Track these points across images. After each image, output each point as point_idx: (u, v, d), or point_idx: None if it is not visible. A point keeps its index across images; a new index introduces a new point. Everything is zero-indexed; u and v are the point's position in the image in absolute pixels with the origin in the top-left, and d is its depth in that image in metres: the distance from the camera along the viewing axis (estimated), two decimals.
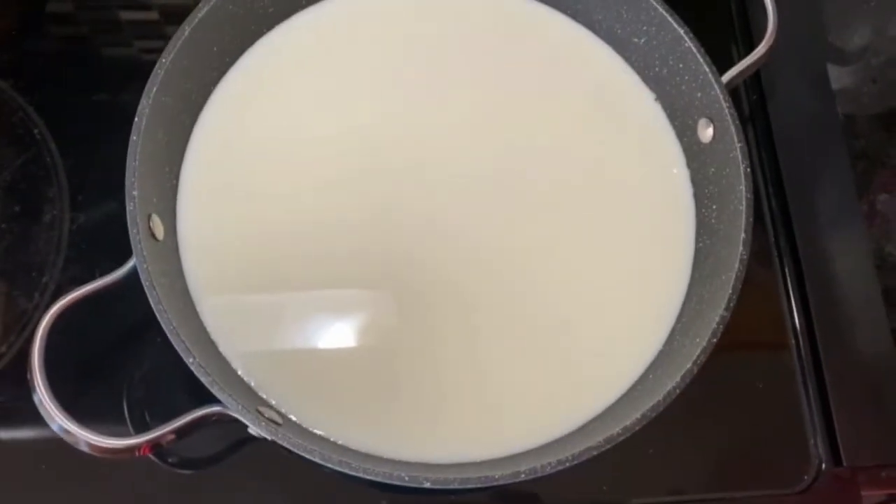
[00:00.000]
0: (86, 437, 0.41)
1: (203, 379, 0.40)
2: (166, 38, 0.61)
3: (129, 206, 0.43)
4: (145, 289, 0.42)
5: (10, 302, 0.51)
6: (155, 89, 0.46)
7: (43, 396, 0.41)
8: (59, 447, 0.47)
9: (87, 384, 0.51)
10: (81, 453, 0.43)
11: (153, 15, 0.63)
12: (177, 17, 0.61)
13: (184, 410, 0.42)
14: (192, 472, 0.50)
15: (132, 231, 0.43)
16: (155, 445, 0.42)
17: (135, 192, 0.43)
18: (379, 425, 0.47)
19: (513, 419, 0.48)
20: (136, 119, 0.45)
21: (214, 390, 0.40)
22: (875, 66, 0.63)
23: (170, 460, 0.50)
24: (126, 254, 0.44)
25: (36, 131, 0.55)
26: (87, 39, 0.63)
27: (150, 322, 0.51)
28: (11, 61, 0.58)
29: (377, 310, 0.49)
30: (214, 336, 0.47)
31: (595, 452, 0.41)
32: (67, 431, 0.41)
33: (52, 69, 0.59)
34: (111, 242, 0.52)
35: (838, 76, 0.63)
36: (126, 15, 0.63)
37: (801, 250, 0.56)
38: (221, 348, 0.46)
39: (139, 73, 0.56)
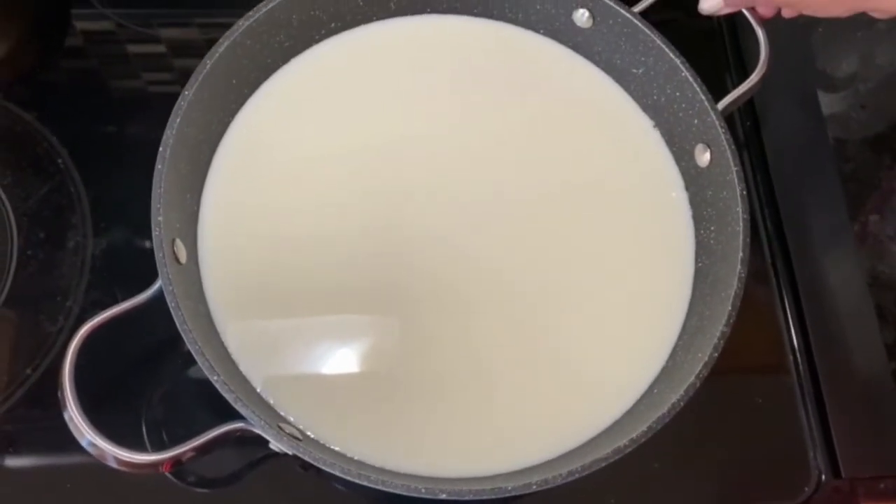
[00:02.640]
0: (113, 452, 0.42)
1: (227, 396, 0.42)
2: (172, 70, 0.64)
3: (155, 232, 0.45)
4: (171, 310, 0.43)
5: (36, 325, 0.52)
6: (178, 120, 0.47)
7: (73, 413, 0.42)
8: (83, 466, 0.49)
9: (106, 404, 0.51)
10: (103, 473, 0.45)
11: (160, 48, 0.65)
12: (183, 50, 0.64)
13: (200, 429, 0.43)
14: (208, 491, 0.51)
15: (158, 255, 0.44)
16: (177, 462, 0.43)
17: (160, 218, 0.45)
18: (394, 442, 0.48)
19: (523, 435, 0.48)
20: (160, 149, 0.46)
21: (238, 406, 0.42)
22: (863, 92, 0.65)
23: (189, 480, 0.51)
24: (145, 278, 0.45)
25: (59, 161, 0.57)
26: (100, 73, 0.64)
27: (169, 344, 0.53)
28: (35, 95, 0.60)
29: (388, 330, 0.51)
30: (235, 356, 0.48)
31: (604, 464, 0.42)
32: (95, 446, 0.42)
33: (71, 102, 0.61)
34: (132, 267, 0.54)
35: (829, 102, 0.64)
36: (133, 48, 0.65)
37: (797, 270, 0.58)
38: (242, 368, 0.48)
39: (151, 105, 0.58)
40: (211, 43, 0.50)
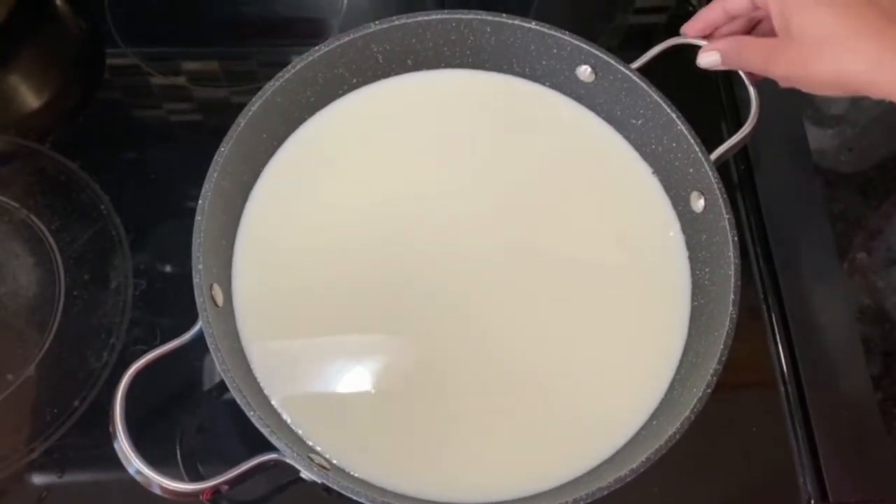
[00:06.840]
0: (158, 481, 0.46)
1: (263, 430, 0.45)
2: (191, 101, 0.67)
3: (196, 279, 0.48)
4: (212, 352, 0.47)
5: (83, 361, 0.56)
6: (216, 174, 0.51)
7: (123, 444, 0.45)
8: (125, 491, 0.52)
9: (144, 431, 0.55)
10: (141, 496, 0.48)
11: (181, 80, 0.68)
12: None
13: (233, 457, 0.46)
14: None
15: (199, 300, 0.48)
16: (217, 491, 0.46)
17: (200, 266, 0.48)
18: (409, 468, 0.51)
19: (532, 464, 0.52)
20: (199, 202, 0.50)
21: (273, 440, 0.45)
22: (850, 136, 0.67)
23: None
24: (182, 315, 0.49)
25: (102, 207, 0.60)
26: (132, 113, 0.68)
27: (202, 374, 0.57)
28: (77, 141, 0.63)
29: (399, 369, 0.54)
30: (267, 391, 0.51)
31: (606, 492, 0.46)
32: (142, 474, 0.45)
33: (109, 148, 0.64)
34: (170, 305, 0.58)
35: (819, 138, 0.67)
36: (157, 80, 0.68)
37: (788, 305, 0.60)
38: (273, 401, 0.51)
39: (189, 153, 0.61)
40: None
